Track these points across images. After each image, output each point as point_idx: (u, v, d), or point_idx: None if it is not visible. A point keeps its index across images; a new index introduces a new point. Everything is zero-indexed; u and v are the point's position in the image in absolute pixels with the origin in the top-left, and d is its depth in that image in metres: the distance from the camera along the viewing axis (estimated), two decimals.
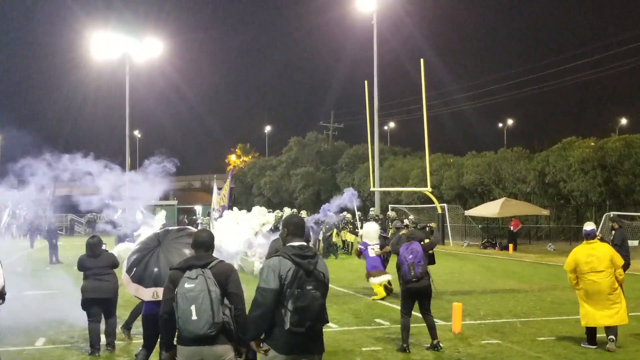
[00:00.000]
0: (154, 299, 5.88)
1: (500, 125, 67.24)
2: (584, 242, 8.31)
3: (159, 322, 4.52)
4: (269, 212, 18.70)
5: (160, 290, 5.46)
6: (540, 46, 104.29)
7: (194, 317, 4.24)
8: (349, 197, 13.60)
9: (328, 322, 4.50)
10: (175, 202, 47.17)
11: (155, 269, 6.05)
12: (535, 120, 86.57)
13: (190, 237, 5.71)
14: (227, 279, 4.42)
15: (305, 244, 4.44)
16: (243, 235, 13.53)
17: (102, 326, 8.00)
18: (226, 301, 4.42)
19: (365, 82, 32.04)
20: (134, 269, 6.14)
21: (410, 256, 8.03)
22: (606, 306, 8.01)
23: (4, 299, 6.97)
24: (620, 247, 11.29)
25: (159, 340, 5.15)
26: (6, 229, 20.84)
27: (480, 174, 33.96)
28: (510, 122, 66.69)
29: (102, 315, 7.95)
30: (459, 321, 9.06)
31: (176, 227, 6.92)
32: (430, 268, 8.80)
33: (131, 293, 6.25)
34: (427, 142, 28.57)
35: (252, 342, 4.36)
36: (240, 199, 54.57)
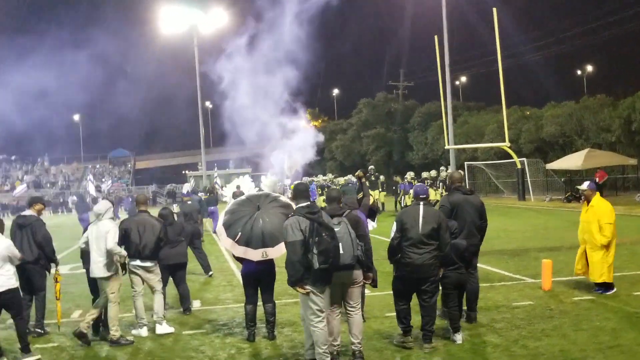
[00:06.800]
0: (263, 259, 6.56)
1: (579, 72, 63.72)
2: (597, 194, 8.65)
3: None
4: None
5: (269, 251, 6.46)
6: None
7: (342, 252, 5.51)
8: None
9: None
10: (249, 170, 48.05)
11: (262, 232, 6.58)
12: (617, 65, 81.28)
13: (277, 201, 6.92)
14: (356, 224, 5.92)
15: (310, 203, 5.67)
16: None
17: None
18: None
19: (436, 37, 31.14)
20: (239, 233, 6.61)
21: None
22: None
23: (126, 270, 7.19)
24: None
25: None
26: (93, 202, 21.83)
27: (561, 125, 32.43)
28: (590, 69, 63.13)
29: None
30: (549, 278, 8.69)
31: (261, 193, 7.28)
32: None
33: (238, 255, 6.72)
34: (504, 95, 27.50)
35: (296, 286, 5.47)
36: (313, 163, 54.71)
